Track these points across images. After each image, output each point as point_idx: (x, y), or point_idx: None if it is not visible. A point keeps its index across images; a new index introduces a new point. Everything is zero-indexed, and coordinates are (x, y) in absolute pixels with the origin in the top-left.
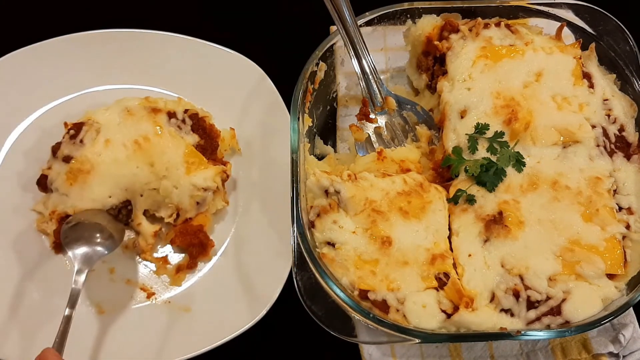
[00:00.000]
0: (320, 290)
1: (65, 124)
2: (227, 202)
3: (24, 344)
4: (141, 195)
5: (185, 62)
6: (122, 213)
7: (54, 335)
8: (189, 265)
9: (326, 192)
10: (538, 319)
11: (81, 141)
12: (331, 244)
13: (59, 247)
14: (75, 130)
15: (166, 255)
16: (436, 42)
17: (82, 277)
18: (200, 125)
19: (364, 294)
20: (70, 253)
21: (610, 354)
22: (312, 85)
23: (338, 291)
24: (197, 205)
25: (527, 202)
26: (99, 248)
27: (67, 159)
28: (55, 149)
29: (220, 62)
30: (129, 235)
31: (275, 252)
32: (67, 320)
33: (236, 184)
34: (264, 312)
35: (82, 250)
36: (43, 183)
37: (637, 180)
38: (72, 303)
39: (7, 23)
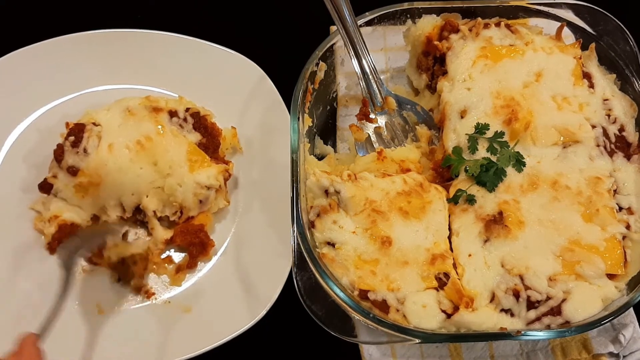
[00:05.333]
0: (320, 290)
1: (67, 124)
2: (228, 202)
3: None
4: (147, 196)
5: (185, 62)
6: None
7: (51, 335)
8: (189, 265)
9: (326, 192)
10: (538, 319)
11: (85, 150)
12: (331, 244)
13: (54, 249)
14: (77, 132)
15: (166, 255)
16: (436, 42)
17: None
18: (201, 124)
19: (364, 294)
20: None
21: (611, 354)
22: (312, 85)
23: (338, 291)
24: (199, 204)
25: (527, 202)
26: None
27: (72, 171)
28: (58, 155)
29: (220, 62)
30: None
31: (275, 252)
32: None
33: (237, 183)
34: (264, 312)
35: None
36: (47, 188)
37: (637, 180)
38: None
39: (7, 23)
